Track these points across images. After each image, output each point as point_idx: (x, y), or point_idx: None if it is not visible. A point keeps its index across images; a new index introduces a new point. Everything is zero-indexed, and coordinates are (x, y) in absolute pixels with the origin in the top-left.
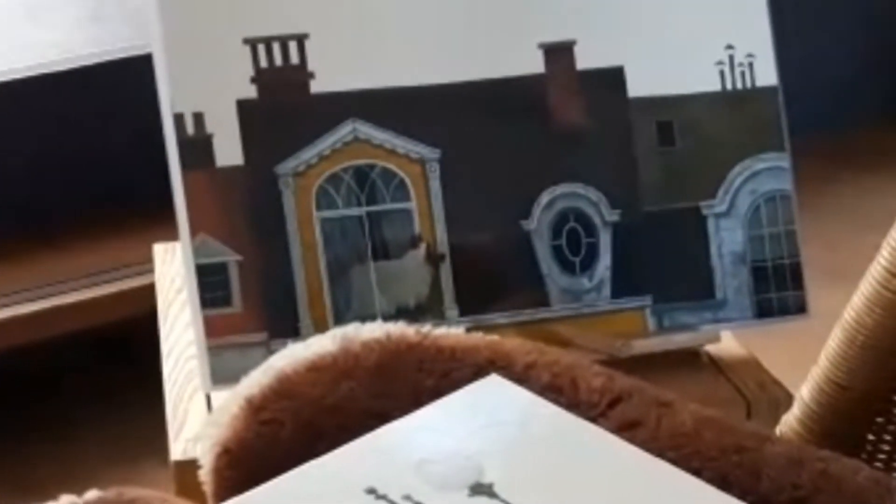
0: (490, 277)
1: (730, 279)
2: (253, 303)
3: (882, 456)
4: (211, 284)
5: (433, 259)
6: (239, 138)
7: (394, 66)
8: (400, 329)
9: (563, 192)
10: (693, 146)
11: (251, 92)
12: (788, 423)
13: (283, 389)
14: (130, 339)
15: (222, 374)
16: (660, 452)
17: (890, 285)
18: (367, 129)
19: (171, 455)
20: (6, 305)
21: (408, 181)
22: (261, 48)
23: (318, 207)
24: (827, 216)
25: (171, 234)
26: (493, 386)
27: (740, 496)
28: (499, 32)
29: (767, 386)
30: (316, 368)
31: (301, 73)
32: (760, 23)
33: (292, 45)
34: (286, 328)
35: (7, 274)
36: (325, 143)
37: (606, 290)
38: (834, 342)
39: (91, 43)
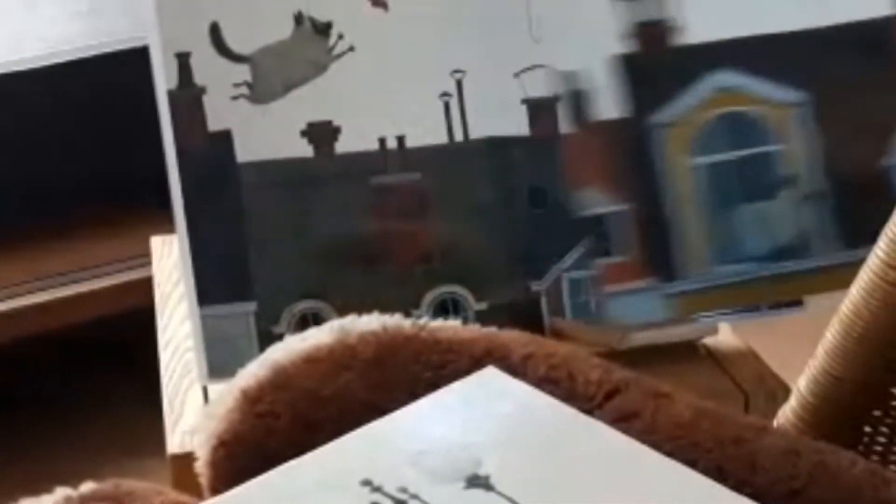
0: (860, 215)
1: None
2: (640, 250)
3: (878, 448)
4: (600, 235)
5: (807, 199)
6: (615, 92)
7: (759, 13)
8: (396, 321)
9: None
10: None
11: (624, 48)
12: (785, 414)
13: (279, 381)
14: (128, 332)
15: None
16: (656, 444)
17: (887, 276)
18: (734, 78)
19: (167, 448)
20: (2, 299)
21: (776, 126)
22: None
23: (692, 155)
24: None
25: (169, 228)
26: (490, 378)
27: (736, 487)
28: None
29: (765, 378)
30: (312, 360)
31: (670, 27)
32: None
33: None
34: (670, 273)
35: (4, 267)
36: (695, 94)
37: None
38: (831, 334)
39: (89, 34)
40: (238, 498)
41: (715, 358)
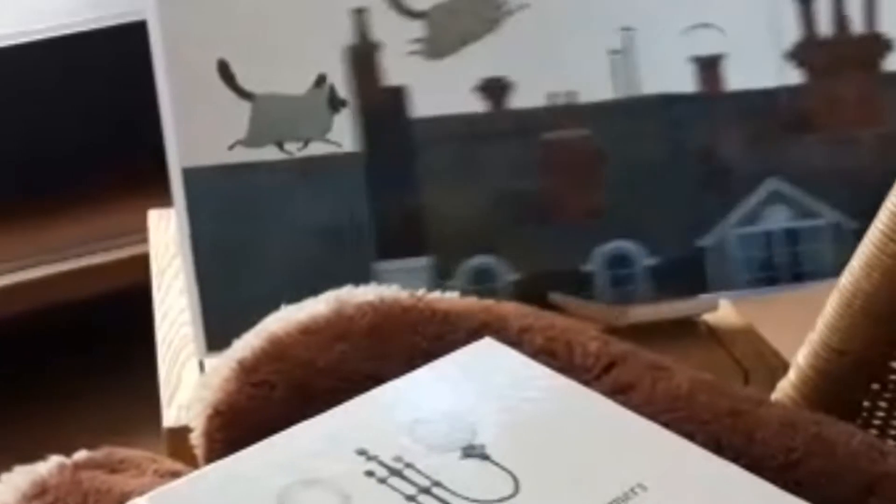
0: None
1: None
2: None
3: (877, 422)
4: None
5: None
6: None
7: None
8: (394, 292)
9: None
10: None
11: None
12: (784, 388)
13: (275, 352)
14: (126, 306)
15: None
16: (654, 416)
17: (887, 249)
18: None
19: (163, 422)
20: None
21: None
22: None
23: None
24: None
25: (166, 201)
26: (487, 349)
27: (733, 459)
28: None
29: (765, 355)
30: (309, 331)
31: None
32: None
33: None
34: None
35: (1, 241)
36: None
37: None
38: (831, 307)
39: (91, 6)
40: (232, 466)
41: (715, 335)
